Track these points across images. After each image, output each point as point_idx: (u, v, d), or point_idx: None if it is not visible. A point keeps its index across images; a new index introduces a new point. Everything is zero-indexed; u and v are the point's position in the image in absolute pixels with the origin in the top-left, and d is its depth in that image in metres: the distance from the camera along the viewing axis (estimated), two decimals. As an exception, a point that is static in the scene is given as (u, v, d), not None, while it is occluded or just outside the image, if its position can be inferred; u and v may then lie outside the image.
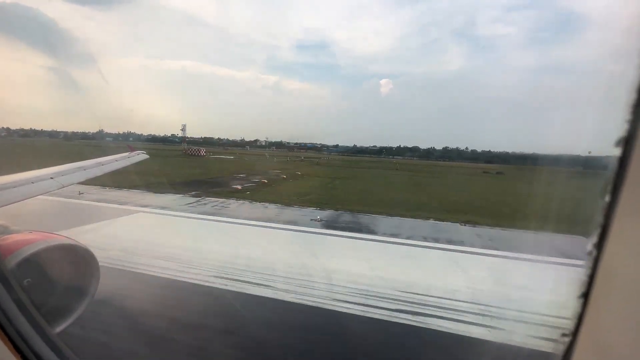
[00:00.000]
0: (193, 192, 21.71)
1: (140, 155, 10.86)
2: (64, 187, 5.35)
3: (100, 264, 3.91)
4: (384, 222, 16.49)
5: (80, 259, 3.83)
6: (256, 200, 19.94)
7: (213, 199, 19.80)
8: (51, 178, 5.03)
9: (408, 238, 13.60)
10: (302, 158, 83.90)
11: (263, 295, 7.48)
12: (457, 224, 16.60)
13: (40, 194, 4.82)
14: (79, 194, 18.07)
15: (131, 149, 11.07)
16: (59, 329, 3.10)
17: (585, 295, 0.93)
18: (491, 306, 7.42)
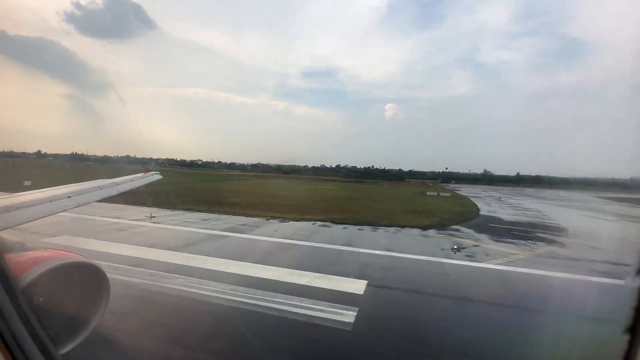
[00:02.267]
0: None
1: (154, 176, 11.20)
2: (80, 205, 5.47)
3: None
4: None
5: (92, 278, 3.84)
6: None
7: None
8: (68, 197, 5.17)
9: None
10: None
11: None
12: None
13: (58, 213, 4.94)
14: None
15: (146, 170, 11.42)
16: (65, 349, 3.06)
17: (632, 330, 0.78)
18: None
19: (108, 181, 7.91)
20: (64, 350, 3.05)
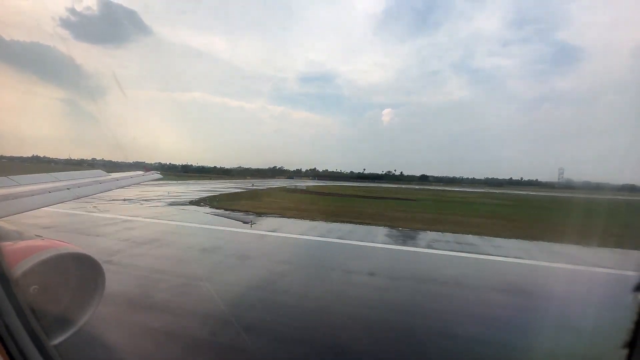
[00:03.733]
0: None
1: (154, 175, 11.33)
2: (79, 198, 5.47)
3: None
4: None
5: (88, 270, 3.82)
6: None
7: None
8: (67, 189, 5.16)
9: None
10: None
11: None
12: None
13: (56, 204, 4.94)
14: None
15: (146, 169, 11.60)
16: (57, 340, 3.04)
17: (631, 346, 0.76)
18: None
19: (109, 176, 7.94)
20: (56, 341, 3.03)
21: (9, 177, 5.13)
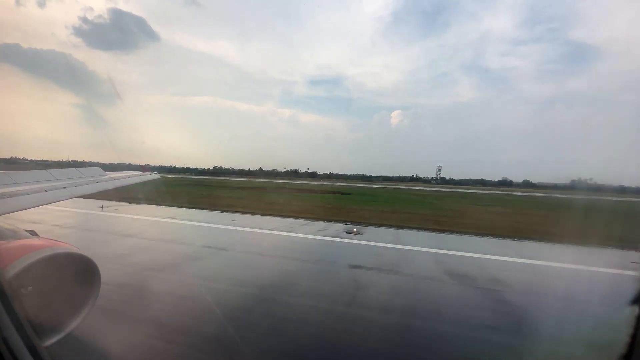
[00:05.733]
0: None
1: (152, 175, 11.30)
2: (75, 197, 5.43)
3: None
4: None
5: (84, 270, 3.77)
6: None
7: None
8: (64, 188, 5.13)
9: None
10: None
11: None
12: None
13: (52, 202, 4.90)
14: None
15: (144, 169, 11.54)
16: (49, 342, 2.99)
17: (627, 357, 0.74)
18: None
19: (106, 175, 7.91)
20: (49, 342, 2.98)
21: (6, 172, 5.10)
